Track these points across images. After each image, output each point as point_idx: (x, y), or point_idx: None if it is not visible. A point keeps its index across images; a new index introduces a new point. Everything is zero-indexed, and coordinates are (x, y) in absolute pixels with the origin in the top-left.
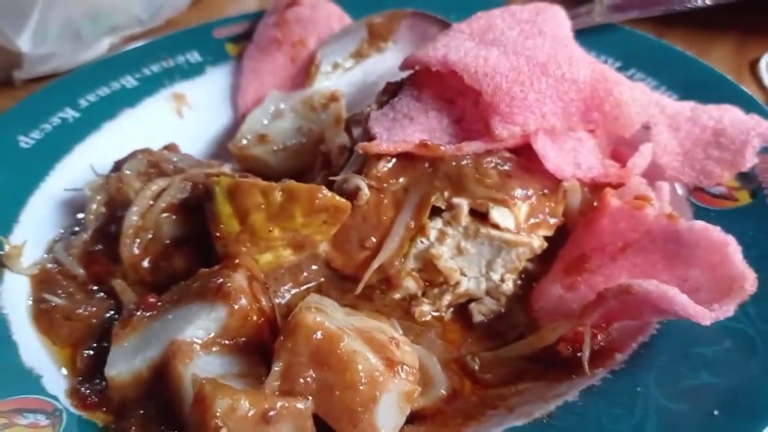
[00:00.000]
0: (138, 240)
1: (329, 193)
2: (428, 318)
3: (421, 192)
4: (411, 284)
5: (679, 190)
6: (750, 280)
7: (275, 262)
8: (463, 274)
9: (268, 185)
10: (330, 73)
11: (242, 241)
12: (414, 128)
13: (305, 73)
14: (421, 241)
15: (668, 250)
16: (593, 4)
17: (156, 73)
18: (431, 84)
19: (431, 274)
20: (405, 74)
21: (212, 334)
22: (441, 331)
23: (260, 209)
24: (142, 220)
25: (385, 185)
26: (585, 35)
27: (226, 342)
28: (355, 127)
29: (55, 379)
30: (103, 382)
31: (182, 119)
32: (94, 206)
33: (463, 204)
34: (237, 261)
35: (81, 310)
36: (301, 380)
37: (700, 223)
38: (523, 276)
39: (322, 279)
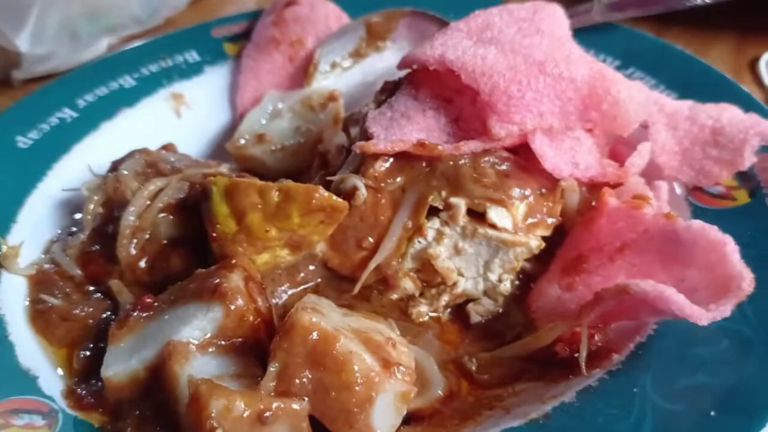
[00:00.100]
0: (135, 240)
1: (326, 193)
2: (426, 318)
3: (418, 192)
4: (408, 284)
5: (678, 190)
6: (747, 280)
7: (272, 263)
8: (460, 274)
9: (265, 185)
10: (328, 73)
11: (239, 242)
12: (411, 127)
13: (303, 72)
14: (419, 241)
15: (666, 249)
16: (592, 2)
17: (154, 72)
18: (429, 83)
19: (429, 275)
20: (403, 73)
21: (208, 335)
22: (438, 331)
23: (257, 209)
24: (139, 220)
25: (382, 185)
26: (583, 34)
27: (223, 342)
28: (353, 127)
29: (52, 380)
30: (100, 383)
31: (180, 119)
32: (92, 206)
33: (461, 204)
34: (234, 261)
35: (78, 311)
36: (297, 381)
37: (698, 223)
38: (520, 276)
39: (319, 279)
